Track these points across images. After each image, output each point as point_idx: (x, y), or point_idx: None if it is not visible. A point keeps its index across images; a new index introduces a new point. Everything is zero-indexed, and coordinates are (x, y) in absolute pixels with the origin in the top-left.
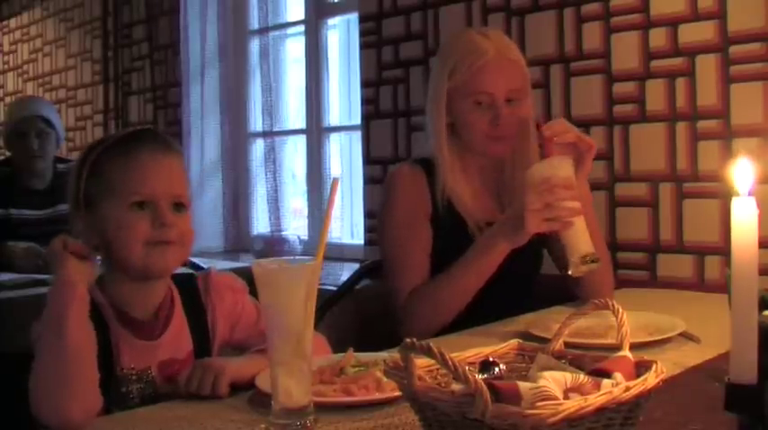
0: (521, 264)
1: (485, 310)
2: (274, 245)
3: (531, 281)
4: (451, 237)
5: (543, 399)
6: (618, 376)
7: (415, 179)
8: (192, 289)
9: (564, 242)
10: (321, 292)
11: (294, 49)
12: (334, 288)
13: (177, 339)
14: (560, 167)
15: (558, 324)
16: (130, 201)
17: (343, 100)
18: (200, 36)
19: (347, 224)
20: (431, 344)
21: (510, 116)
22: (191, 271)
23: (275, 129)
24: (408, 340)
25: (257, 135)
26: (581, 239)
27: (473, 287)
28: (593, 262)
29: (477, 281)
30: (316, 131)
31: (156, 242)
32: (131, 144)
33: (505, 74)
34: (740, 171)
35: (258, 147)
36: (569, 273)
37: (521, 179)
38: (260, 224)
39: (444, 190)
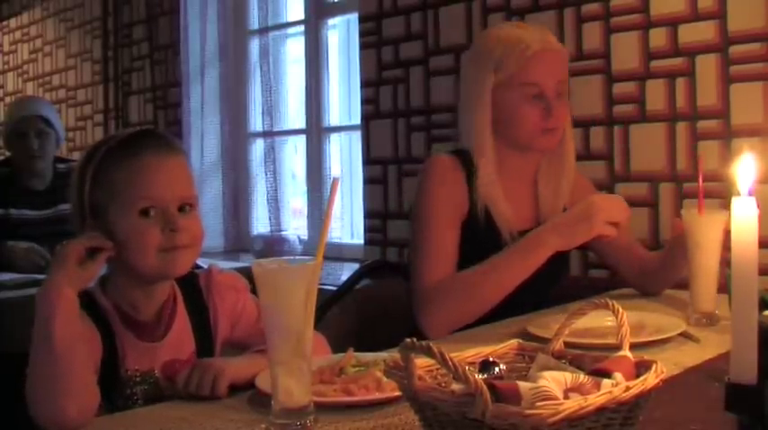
0: (545, 274)
1: (503, 316)
2: (274, 245)
3: (550, 290)
4: (483, 240)
5: (543, 399)
6: (618, 376)
7: (456, 173)
8: (194, 288)
9: (692, 294)
10: (321, 292)
11: (294, 49)
12: (334, 288)
13: (180, 340)
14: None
15: (558, 324)
16: (138, 208)
17: (343, 100)
18: (200, 36)
19: (347, 224)
20: (431, 344)
21: (561, 107)
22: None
23: (275, 129)
24: (408, 340)
25: (257, 135)
26: (707, 296)
27: (515, 281)
28: (711, 320)
29: (520, 276)
30: (316, 131)
31: (169, 248)
32: (134, 147)
33: (553, 65)
34: (743, 167)
35: (258, 147)
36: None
37: (557, 179)
38: (260, 224)
39: (482, 193)
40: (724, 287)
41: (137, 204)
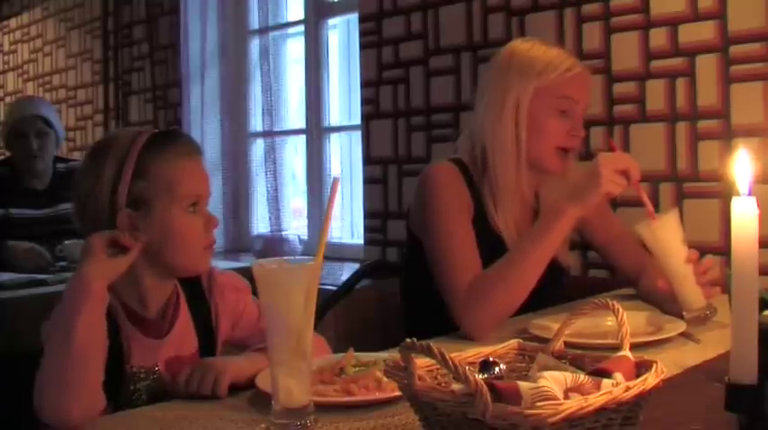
0: (546, 276)
1: None
2: (274, 245)
3: (552, 293)
4: (487, 242)
5: (543, 399)
6: (618, 376)
7: (459, 177)
8: (196, 287)
9: (678, 298)
10: (321, 292)
11: (294, 49)
12: (335, 288)
13: (182, 337)
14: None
15: (558, 324)
16: (187, 203)
17: (343, 100)
18: (200, 36)
19: (347, 224)
20: (431, 344)
21: (582, 131)
22: None
23: (275, 129)
24: (408, 340)
25: (257, 135)
26: (692, 295)
27: (545, 260)
28: (707, 313)
29: (548, 253)
30: (316, 131)
31: (209, 245)
32: (174, 145)
33: (588, 89)
34: (740, 164)
35: (258, 148)
36: (684, 320)
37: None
38: (260, 224)
39: (496, 197)
40: (722, 286)
41: (186, 200)
